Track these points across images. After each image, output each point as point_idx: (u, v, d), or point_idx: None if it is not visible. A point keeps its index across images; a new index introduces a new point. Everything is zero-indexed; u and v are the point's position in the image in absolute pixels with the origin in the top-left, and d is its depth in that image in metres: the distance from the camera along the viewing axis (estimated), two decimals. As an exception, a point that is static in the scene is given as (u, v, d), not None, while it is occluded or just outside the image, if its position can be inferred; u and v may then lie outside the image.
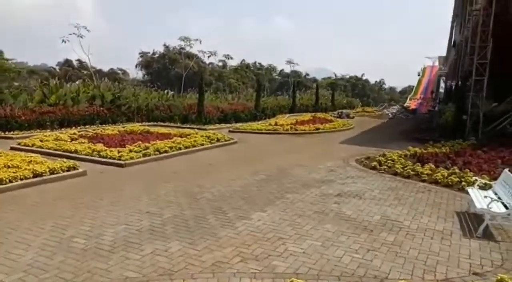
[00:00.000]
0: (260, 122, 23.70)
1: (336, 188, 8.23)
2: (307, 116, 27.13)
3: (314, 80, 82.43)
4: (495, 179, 7.41)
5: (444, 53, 48.27)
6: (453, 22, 38.86)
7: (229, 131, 19.29)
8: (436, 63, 57.33)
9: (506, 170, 6.88)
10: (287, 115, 29.77)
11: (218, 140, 14.88)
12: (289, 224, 5.91)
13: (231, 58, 76.84)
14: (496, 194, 6.47)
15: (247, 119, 24.77)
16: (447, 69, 42.79)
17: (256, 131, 19.72)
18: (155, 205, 6.86)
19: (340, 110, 35.27)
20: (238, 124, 22.24)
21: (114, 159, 10.64)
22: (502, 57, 25.77)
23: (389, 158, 11.07)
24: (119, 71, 70.21)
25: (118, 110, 21.90)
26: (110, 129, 16.64)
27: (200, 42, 57.16)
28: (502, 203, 5.90)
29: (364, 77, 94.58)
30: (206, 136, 14.97)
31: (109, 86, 26.35)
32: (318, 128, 20.91)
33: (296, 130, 19.84)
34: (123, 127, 18.02)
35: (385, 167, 10.24)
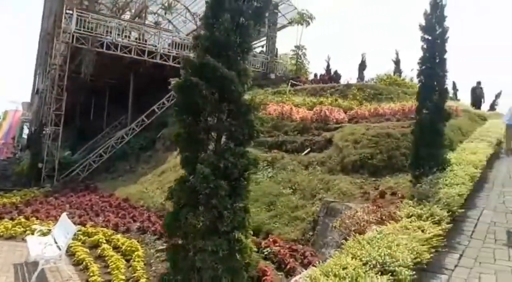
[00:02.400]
0: None
1: None
2: None
3: None
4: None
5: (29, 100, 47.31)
6: (36, 69, 39.06)
7: None
8: (20, 108, 55.31)
9: (64, 213, 7.53)
10: None
11: None
12: None
13: None
14: (55, 238, 6.85)
15: None
16: (32, 115, 41.97)
17: None
18: None
19: None
20: None
21: None
22: (79, 112, 28.81)
23: None
24: None
25: None
26: None
27: None
28: (57, 245, 6.35)
29: None
30: None
31: None
32: None
33: None
34: None
35: None
